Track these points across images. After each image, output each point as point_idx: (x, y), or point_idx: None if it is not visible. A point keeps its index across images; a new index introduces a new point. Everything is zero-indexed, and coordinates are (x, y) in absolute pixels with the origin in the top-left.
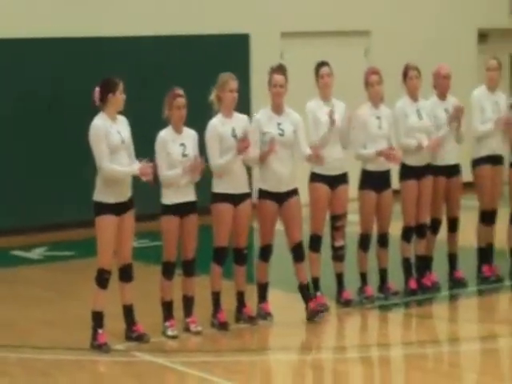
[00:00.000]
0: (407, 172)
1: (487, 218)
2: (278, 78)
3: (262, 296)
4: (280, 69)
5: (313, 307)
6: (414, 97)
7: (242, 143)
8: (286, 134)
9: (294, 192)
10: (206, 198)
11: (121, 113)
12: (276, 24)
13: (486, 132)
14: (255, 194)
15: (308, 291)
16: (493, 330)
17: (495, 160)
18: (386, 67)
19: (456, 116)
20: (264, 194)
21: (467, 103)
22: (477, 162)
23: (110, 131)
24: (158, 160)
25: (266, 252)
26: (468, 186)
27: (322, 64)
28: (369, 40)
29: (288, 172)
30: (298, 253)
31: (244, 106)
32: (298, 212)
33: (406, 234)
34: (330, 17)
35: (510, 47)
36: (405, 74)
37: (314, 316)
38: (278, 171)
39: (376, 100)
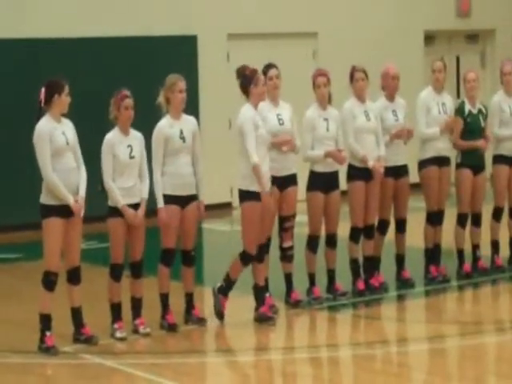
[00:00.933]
0: (355, 173)
1: (434, 218)
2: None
3: (226, 292)
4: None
5: (263, 311)
6: (361, 98)
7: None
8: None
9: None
10: (153, 200)
11: (66, 115)
12: (223, 25)
13: (431, 135)
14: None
15: (263, 294)
16: (440, 330)
17: (441, 161)
18: (334, 69)
19: (398, 136)
20: (253, 196)
21: (414, 104)
22: (423, 164)
23: (54, 132)
24: (103, 164)
25: (247, 259)
26: (415, 187)
27: (269, 66)
28: (316, 42)
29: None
30: (259, 253)
31: (192, 107)
32: (271, 210)
33: (354, 235)
34: (278, 18)
35: (456, 49)
36: (351, 76)
37: (261, 320)
38: (267, 169)
39: (323, 102)
